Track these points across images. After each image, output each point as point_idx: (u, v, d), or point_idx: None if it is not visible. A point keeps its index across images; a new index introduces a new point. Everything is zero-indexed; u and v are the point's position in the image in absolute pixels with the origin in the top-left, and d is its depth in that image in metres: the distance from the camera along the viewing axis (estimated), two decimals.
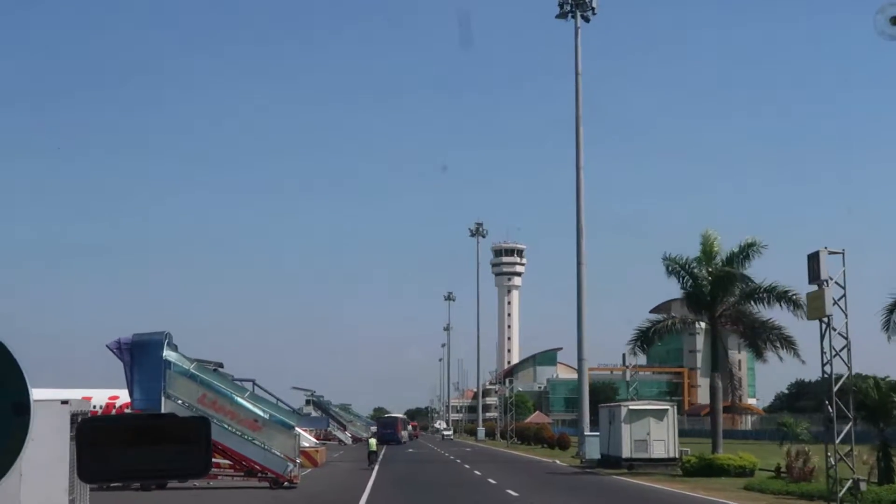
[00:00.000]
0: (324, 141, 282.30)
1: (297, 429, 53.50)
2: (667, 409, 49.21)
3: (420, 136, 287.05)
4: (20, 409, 2.81)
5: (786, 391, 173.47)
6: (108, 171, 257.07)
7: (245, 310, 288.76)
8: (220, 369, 52.61)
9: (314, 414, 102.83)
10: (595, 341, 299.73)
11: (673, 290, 48.45)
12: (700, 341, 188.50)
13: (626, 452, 48.16)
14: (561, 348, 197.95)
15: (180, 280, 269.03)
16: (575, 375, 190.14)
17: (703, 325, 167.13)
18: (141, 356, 37.40)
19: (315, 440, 68.52)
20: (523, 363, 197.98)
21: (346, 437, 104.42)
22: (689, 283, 46.08)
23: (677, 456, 48.22)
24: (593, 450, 54.59)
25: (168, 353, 38.07)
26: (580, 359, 59.23)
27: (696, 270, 45.83)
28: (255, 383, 63.98)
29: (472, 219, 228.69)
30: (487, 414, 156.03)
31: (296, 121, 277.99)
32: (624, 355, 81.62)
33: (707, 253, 45.64)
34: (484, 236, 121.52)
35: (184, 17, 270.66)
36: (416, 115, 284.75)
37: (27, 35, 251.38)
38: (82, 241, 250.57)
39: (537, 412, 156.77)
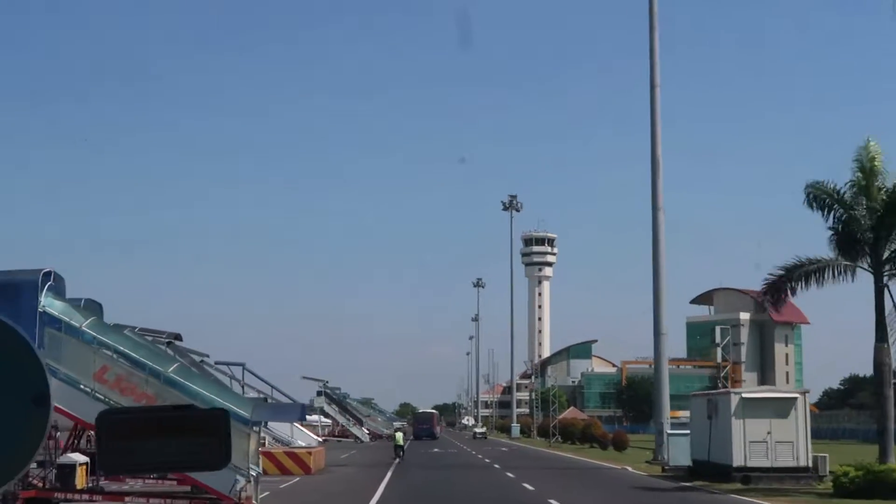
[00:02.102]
0: (348, 135, 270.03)
1: (268, 424, 39.46)
2: (795, 399, 34.01)
3: (446, 128, 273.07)
4: (40, 400, 2.73)
5: (839, 387, 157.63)
6: (128, 168, 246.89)
7: (269, 304, 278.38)
8: (176, 342, 38.38)
9: (326, 407, 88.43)
10: (628, 336, 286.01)
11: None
12: (744, 334, 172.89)
13: (737, 459, 33.12)
14: (596, 340, 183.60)
15: (204, 274, 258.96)
16: (611, 369, 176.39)
17: (747, 316, 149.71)
18: (2, 305, 22.79)
19: (316, 437, 53.87)
20: (556, 356, 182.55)
21: (362, 433, 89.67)
22: (841, 217, 30.87)
23: (810, 464, 33.26)
24: (680, 454, 39.47)
25: (48, 303, 23.37)
26: (658, 333, 43.96)
27: (850, 199, 30.66)
28: (244, 367, 50.55)
29: (498, 211, 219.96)
30: (517, 410, 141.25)
31: (319, 115, 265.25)
32: (715, 331, 66.77)
33: (867, 173, 30.42)
34: (518, 210, 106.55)
35: (201, 12, 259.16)
36: (439, 109, 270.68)
37: (49, 33, 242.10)
38: (101, 235, 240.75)
39: (571, 408, 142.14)
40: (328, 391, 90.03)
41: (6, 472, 2.85)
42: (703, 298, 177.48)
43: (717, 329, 66.24)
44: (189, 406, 3.19)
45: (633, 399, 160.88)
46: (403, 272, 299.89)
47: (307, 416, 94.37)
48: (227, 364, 51.79)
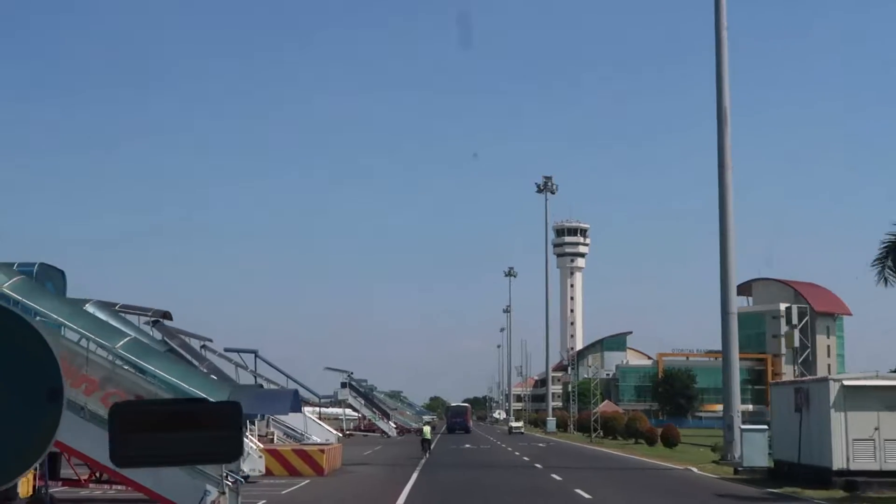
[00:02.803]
0: (382, 131, 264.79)
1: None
2: None
3: (463, 125, 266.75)
4: (54, 395, 2.72)
5: None
6: (143, 166, 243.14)
7: (299, 300, 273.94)
8: (164, 321, 32.53)
9: (351, 400, 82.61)
10: (662, 329, 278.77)
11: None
12: (784, 325, 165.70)
13: (838, 461, 26.88)
14: (630, 332, 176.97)
15: (225, 270, 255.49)
16: (647, 361, 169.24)
17: (784, 306, 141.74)
18: None
19: (335, 432, 47.90)
20: (589, 348, 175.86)
21: (389, 427, 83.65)
22: None
23: None
24: (754, 453, 33.19)
25: None
26: (726, 312, 37.62)
27: None
28: (257, 355, 44.94)
29: (523, 205, 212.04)
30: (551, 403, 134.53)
31: (349, 111, 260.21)
32: (791, 311, 60.39)
33: None
34: (553, 192, 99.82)
35: (215, 13, 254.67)
36: (454, 105, 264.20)
37: (70, 33, 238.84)
38: (127, 228, 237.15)
39: (606, 401, 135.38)
40: (353, 383, 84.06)
41: (16, 467, 2.71)
42: (742, 289, 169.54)
43: (794, 308, 59.05)
44: (202, 399, 3.29)
45: (670, 392, 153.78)
46: (431, 266, 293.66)
47: (326, 408, 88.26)
48: (238, 351, 46.73)
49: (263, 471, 30.64)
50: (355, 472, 34.86)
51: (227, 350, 45.03)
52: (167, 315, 31.66)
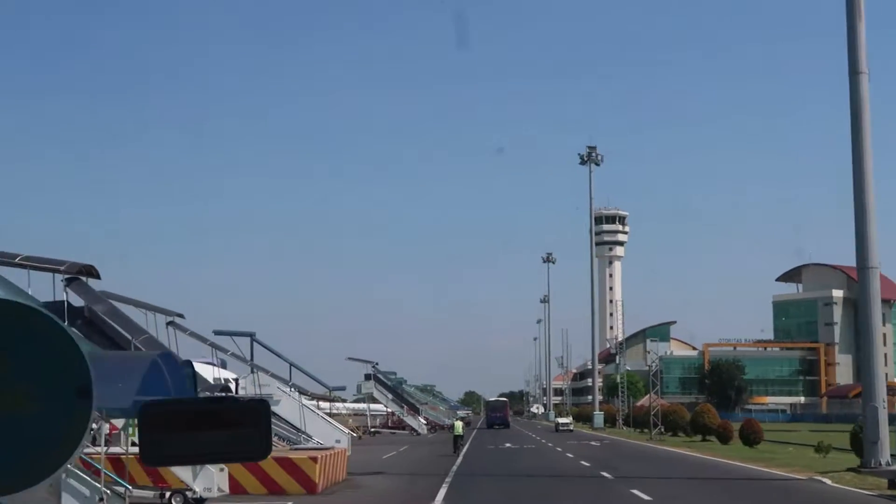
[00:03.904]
0: (411, 123, 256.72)
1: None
2: None
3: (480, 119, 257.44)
4: (83, 392, 2.61)
5: None
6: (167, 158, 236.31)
7: (325, 293, 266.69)
8: (83, 278, 23.14)
9: (376, 393, 73.09)
10: (702, 319, 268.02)
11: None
12: (837, 313, 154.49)
13: None
14: (674, 322, 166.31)
15: (250, 260, 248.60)
16: (692, 352, 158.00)
17: (840, 294, 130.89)
18: None
19: (346, 431, 38.22)
20: (632, 339, 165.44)
21: (419, 423, 73.91)
22: None
23: None
24: None
25: None
26: (863, 267, 27.31)
27: None
28: (253, 338, 39.25)
29: (564, 196, 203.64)
30: (588, 396, 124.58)
31: (381, 103, 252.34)
32: None
33: None
34: (598, 164, 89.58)
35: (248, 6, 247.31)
36: (470, 100, 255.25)
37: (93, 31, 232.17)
38: (142, 225, 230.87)
39: (649, 394, 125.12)
40: (379, 375, 74.31)
41: (49, 465, 2.60)
42: (791, 276, 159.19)
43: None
44: (229, 397, 2.89)
45: (717, 384, 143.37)
46: (461, 258, 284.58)
47: (350, 402, 78.56)
48: (233, 334, 38.42)
49: (226, 489, 21.04)
50: (361, 488, 25.15)
51: (217, 332, 36.91)
52: (91, 271, 22.03)
